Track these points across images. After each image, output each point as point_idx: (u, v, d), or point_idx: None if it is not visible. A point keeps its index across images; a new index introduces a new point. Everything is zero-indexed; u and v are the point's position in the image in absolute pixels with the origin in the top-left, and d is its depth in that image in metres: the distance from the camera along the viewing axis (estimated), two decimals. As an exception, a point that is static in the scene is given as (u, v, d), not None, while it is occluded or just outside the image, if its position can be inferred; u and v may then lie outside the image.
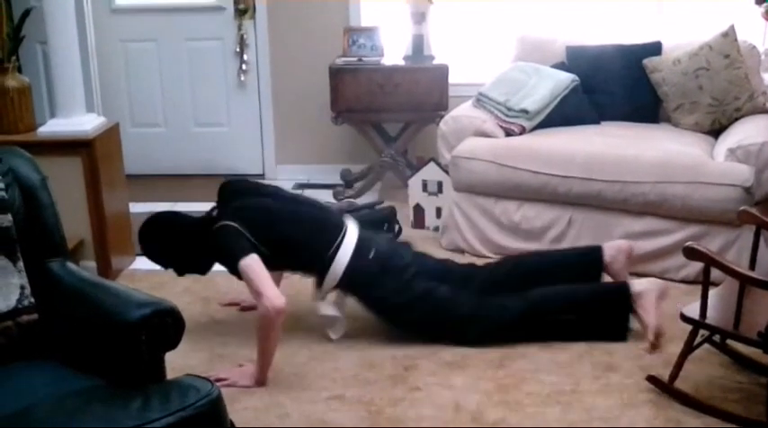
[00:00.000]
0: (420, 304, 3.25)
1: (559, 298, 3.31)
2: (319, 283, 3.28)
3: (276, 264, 3.19)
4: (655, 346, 3.17)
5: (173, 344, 2.19)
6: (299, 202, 3.44)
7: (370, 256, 3.25)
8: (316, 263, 3.25)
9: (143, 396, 1.96)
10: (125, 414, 1.88)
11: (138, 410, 1.90)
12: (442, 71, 4.93)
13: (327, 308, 3.32)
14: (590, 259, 3.49)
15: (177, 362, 2.39)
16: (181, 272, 3.42)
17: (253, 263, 3.01)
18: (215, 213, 3.29)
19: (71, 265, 2.45)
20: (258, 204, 3.29)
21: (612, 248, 3.49)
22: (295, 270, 3.37)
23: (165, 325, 2.15)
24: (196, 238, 3.25)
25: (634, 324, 3.29)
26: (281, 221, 3.23)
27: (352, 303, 3.33)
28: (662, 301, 3.25)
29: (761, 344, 2.63)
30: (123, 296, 2.24)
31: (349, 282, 3.25)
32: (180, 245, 3.32)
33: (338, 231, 3.26)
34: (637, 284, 3.29)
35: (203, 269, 3.41)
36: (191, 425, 1.91)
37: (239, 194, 3.34)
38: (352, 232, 3.29)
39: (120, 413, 1.89)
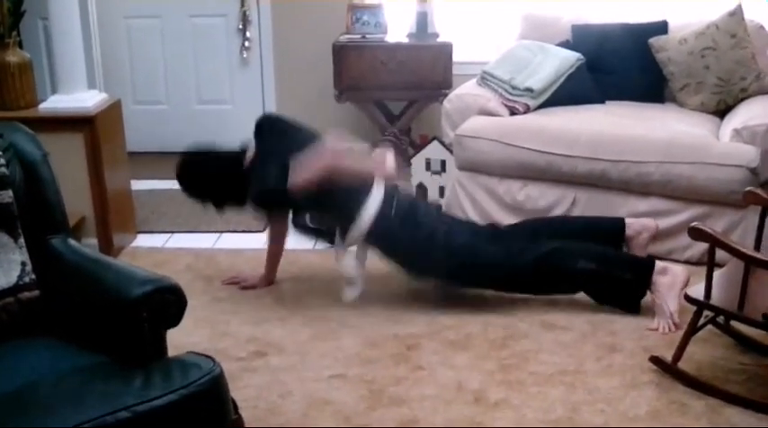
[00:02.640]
0: (441, 251, 3.32)
1: (584, 249, 3.35)
2: (343, 233, 3.33)
3: (308, 206, 3.36)
4: (665, 329, 3.18)
5: (174, 322, 2.17)
6: None
7: (394, 209, 3.32)
8: (346, 209, 3.31)
9: (145, 373, 1.96)
10: (126, 392, 1.87)
11: (140, 387, 1.89)
12: (446, 49, 4.89)
13: (349, 265, 3.37)
14: (613, 230, 3.52)
15: (179, 340, 2.37)
16: (220, 206, 3.57)
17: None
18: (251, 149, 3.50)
19: (72, 242, 2.43)
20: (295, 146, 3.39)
21: (638, 223, 3.52)
22: (324, 213, 3.44)
23: (167, 303, 2.13)
24: (233, 171, 3.46)
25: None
26: None
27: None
28: (683, 290, 3.25)
29: (765, 326, 2.62)
30: (125, 273, 2.23)
31: (375, 233, 3.31)
32: (218, 179, 3.52)
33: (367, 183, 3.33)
34: (668, 265, 3.31)
35: (241, 199, 3.51)
36: (192, 403, 1.91)
37: (277, 133, 3.54)
38: (378, 185, 3.33)
39: (121, 390, 1.88)
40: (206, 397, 1.94)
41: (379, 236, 3.33)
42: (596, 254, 3.34)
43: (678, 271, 3.29)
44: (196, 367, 1.98)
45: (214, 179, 3.50)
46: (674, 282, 3.24)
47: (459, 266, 3.34)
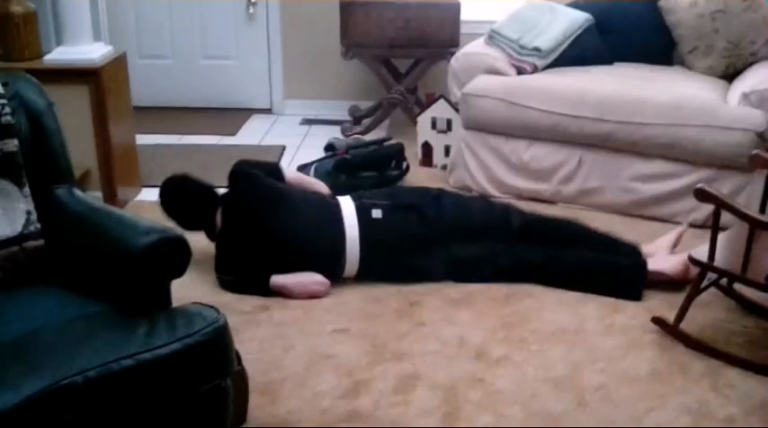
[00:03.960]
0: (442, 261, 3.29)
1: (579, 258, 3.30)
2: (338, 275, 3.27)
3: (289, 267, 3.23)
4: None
5: (179, 272, 2.17)
6: (293, 207, 3.35)
7: (378, 234, 3.25)
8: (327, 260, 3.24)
9: (149, 322, 1.96)
10: (130, 340, 1.87)
11: (144, 336, 1.89)
12: (455, 7, 4.85)
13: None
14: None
15: (183, 293, 2.38)
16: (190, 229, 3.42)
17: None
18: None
19: (77, 192, 2.42)
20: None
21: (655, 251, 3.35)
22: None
23: (172, 253, 2.14)
24: (205, 208, 3.42)
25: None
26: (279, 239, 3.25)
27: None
28: (675, 248, 3.28)
29: (766, 288, 2.62)
30: (130, 223, 2.23)
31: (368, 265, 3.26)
32: (194, 213, 3.43)
33: (338, 224, 3.25)
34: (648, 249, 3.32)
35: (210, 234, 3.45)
36: (196, 352, 1.91)
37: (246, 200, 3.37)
38: (350, 217, 3.27)
39: (125, 338, 1.88)
40: (209, 347, 1.93)
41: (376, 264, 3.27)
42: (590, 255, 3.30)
43: (662, 243, 3.34)
44: (200, 317, 1.98)
45: (187, 210, 3.43)
46: (660, 254, 3.27)
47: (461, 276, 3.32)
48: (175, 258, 2.15)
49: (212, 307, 2.05)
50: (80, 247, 2.27)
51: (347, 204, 3.31)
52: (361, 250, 3.21)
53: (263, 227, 3.23)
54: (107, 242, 2.19)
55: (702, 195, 2.72)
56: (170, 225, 2.24)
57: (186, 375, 1.92)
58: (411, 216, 3.30)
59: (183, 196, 3.46)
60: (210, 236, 3.41)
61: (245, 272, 3.23)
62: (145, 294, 2.12)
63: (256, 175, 3.43)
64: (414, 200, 3.37)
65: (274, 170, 3.58)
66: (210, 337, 1.93)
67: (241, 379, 2.29)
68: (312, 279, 3.18)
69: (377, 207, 3.29)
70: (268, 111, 5.77)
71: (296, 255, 3.20)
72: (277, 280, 3.17)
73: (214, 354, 1.96)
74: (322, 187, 3.64)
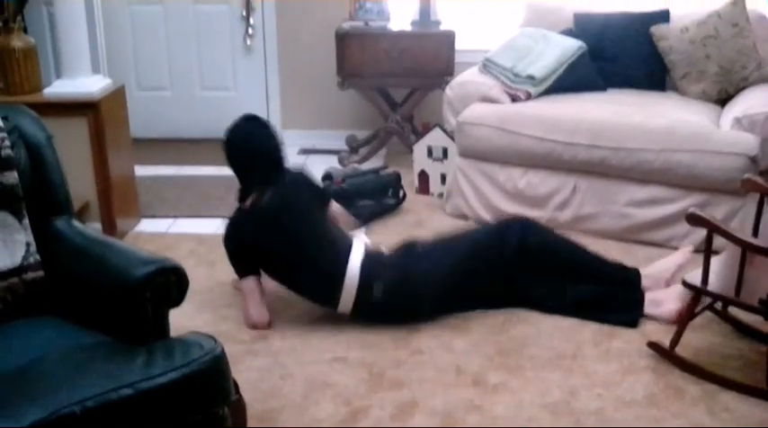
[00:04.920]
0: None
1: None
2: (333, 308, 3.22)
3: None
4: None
5: (177, 302, 2.20)
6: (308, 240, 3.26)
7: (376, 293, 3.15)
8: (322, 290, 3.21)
9: (147, 352, 1.98)
10: (129, 369, 1.90)
11: (142, 365, 1.91)
12: (449, 37, 4.91)
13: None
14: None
15: (182, 323, 2.40)
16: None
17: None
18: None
19: (76, 223, 2.45)
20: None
21: (652, 278, 3.33)
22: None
23: (169, 283, 2.17)
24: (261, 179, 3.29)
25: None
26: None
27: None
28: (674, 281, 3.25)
29: (761, 311, 2.64)
30: (128, 254, 2.26)
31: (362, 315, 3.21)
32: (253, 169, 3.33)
33: (341, 265, 3.15)
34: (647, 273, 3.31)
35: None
36: (194, 381, 1.93)
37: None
38: (353, 269, 3.15)
39: (124, 367, 1.91)
40: (207, 376, 1.96)
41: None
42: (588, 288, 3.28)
43: (659, 275, 3.31)
44: (197, 346, 2.00)
45: (249, 160, 3.32)
46: (655, 279, 3.28)
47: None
48: (173, 288, 2.18)
49: (210, 336, 2.07)
50: (79, 278, 2.29)
51: (357, 254, 3.19)
52: (356, 299, 3.14)
53: (283, 232, 3.19)
54: (105, 273, 2.21)
55: (694, 220, 2.75)
56: (169, 256, 2.26)
57: (184, 404, 1.94)
58: (411, 295, 3.19)
59: (257, 146, 3.34)
60: (241, 196, 3.34)
61: (246, 253, 3.23)
62: (143, 324, 2.14)
63: (309, 186, 3.42)
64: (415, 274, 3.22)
65: (325, 196, 3.54)
66: (208, 366, 1.95)
67: (239, 408, 2.31)
68: (256, 308, 3.19)
69: (379, 281, 3.14)
70: (266, 141, 5.82)
71: (294, 268, 3.20)
72: (246, 283, 3.22)
73: (211, 383, 1.99)
74: (350, 224, 3.64)
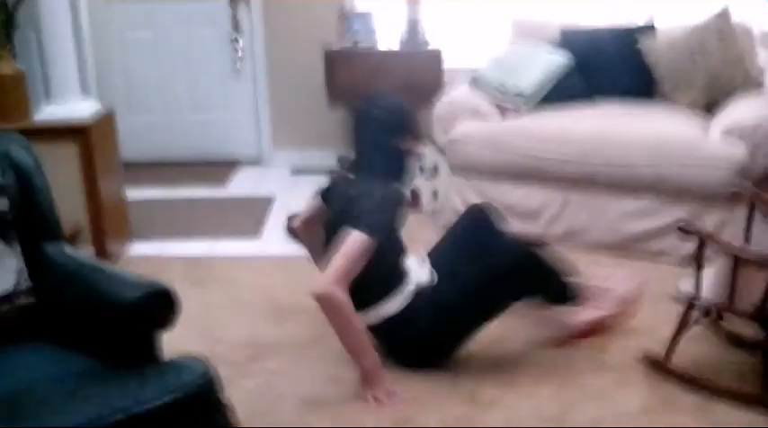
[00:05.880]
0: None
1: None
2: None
3: None
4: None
5: (167, 325, 2.19)
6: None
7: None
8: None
9: (139, 376, 1.97)
10: (121, 394, 1.88)
11: (134, 390, 1.90)
12: (437, 56, 4.93)
13: None
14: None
15: (174, 346, 2.39)
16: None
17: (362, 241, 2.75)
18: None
19: (67, 248, 2.45)
20: None
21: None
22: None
23: (160, 306, 2.16)
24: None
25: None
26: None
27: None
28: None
29: (754, 316, 2.65)
30: (118, 278, 2.25)
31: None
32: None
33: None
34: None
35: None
36: (186, 405, 1.91)
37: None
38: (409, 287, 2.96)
39: (116, 392, 1.89)
40: (199, 399, 1.94)
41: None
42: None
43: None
44: (189, 369, 1.98)
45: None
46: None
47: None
48: (163, 311, 2.17)
49: (202, 359, 2.06)
50: (69, 303, 2.28)
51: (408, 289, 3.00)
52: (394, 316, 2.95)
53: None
54: (96, 297, 2.20)
55: (685, 231, 2.76)
56: (162, 280, 2.25)
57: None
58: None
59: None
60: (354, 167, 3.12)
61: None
62: (135, 348, 2.14)
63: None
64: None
65: None
66: (200, 389, 1.93)
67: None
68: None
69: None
70: (257, 162, 5.83)
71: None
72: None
73: (204, 406, 1.97)
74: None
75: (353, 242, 2.73)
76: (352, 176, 3.12)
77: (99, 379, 2.01)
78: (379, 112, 3.04)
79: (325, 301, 2.71)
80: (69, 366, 2.09)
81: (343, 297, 2.71)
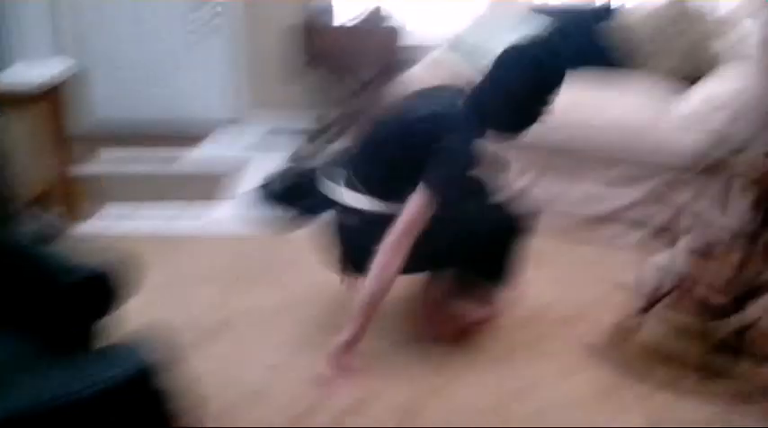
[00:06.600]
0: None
1: None
2: None
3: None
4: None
5: (106, 311, 2.16)
6: None
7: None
8: None
9: (71, 365, 1.93)
10: (50, 383, 1.84)
11: (62, 379, 1.85)
12: (397, 31, 5.00)
13: None
14: None
15: (143, 313, 2.31)
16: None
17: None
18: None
19: (9, 227, 2.41)
20: None
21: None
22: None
23: (99, 291, 2.13)
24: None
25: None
26: None
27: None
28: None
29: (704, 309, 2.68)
30: (56, 261, 2.20)
31: None
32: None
33: None
34: None
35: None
36: (118, 395, 1.86)
37: None
38: None
39: (44, 381, 1.86)
40: (131, 390, 1.88)
41: None
42: None
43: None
44: (123, 359, 1.92)
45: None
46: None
47: None
48: (103, 297, 2.14)
49: (143, 345, 1.97)
50: (6, 284, 2.21)
51: None
52: None
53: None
54: (32, 280, 2.16)
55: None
56: (127, 245, 2.14)
57: (110, 418, 1.86)
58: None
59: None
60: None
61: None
62: (72, 333, 2.11)
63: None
64: None
65: None
66: (130, 380, 1.87)
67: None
68: None
69: None
70: (234, 120, 5.78)
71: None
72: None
73: (136, 397, 1.90)
74: None
75: (419, 205, 2.59)
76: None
77: (29, 366, 1.97)
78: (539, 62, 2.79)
79: (386, 255, 2.62)
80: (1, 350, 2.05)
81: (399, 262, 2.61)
